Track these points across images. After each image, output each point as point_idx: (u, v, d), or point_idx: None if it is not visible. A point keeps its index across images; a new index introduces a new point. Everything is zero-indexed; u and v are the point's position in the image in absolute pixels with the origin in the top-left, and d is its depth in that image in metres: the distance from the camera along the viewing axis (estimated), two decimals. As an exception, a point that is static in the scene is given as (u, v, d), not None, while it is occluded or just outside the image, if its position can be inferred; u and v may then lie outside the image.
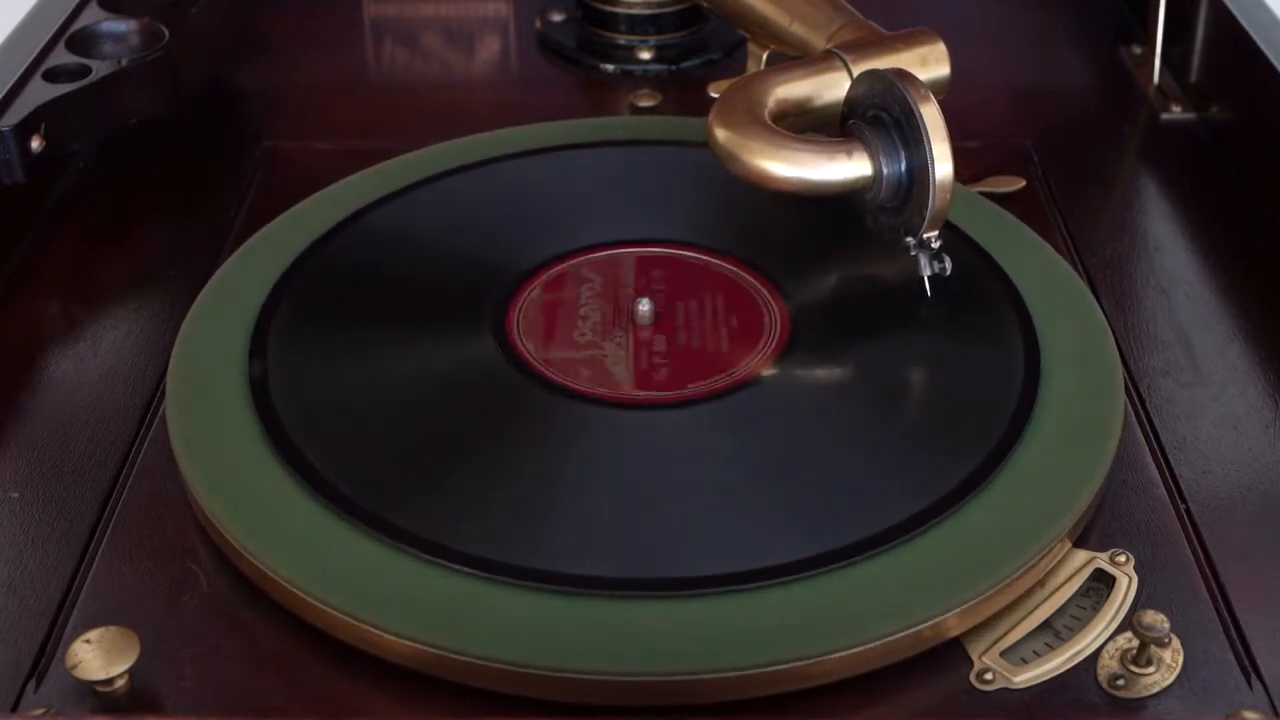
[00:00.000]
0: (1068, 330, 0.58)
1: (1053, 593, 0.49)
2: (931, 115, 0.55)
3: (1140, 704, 0.46)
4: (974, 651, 0.47)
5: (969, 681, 0.46)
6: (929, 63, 0.61)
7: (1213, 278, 0.65)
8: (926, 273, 0.57)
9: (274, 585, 0.48)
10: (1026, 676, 0.46)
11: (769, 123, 0.58)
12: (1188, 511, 0.53)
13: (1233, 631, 0.48)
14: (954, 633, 0.47)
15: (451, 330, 0.58)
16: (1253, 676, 0.47)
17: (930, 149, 0.54)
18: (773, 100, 0.59)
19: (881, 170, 0.56)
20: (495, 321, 0.58)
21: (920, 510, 0.49)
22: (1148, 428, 0.57)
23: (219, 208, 0.70)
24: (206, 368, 0.56)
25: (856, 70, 0.59)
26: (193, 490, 0.51)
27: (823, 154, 0.56)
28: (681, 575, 0.47)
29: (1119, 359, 0.57)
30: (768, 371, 0.56)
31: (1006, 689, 0.46)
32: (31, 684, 0.46)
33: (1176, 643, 0.47)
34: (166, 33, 0.72)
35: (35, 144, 0.64)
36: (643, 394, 0.55)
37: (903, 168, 0.56)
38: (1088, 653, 0.47)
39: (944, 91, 0.61)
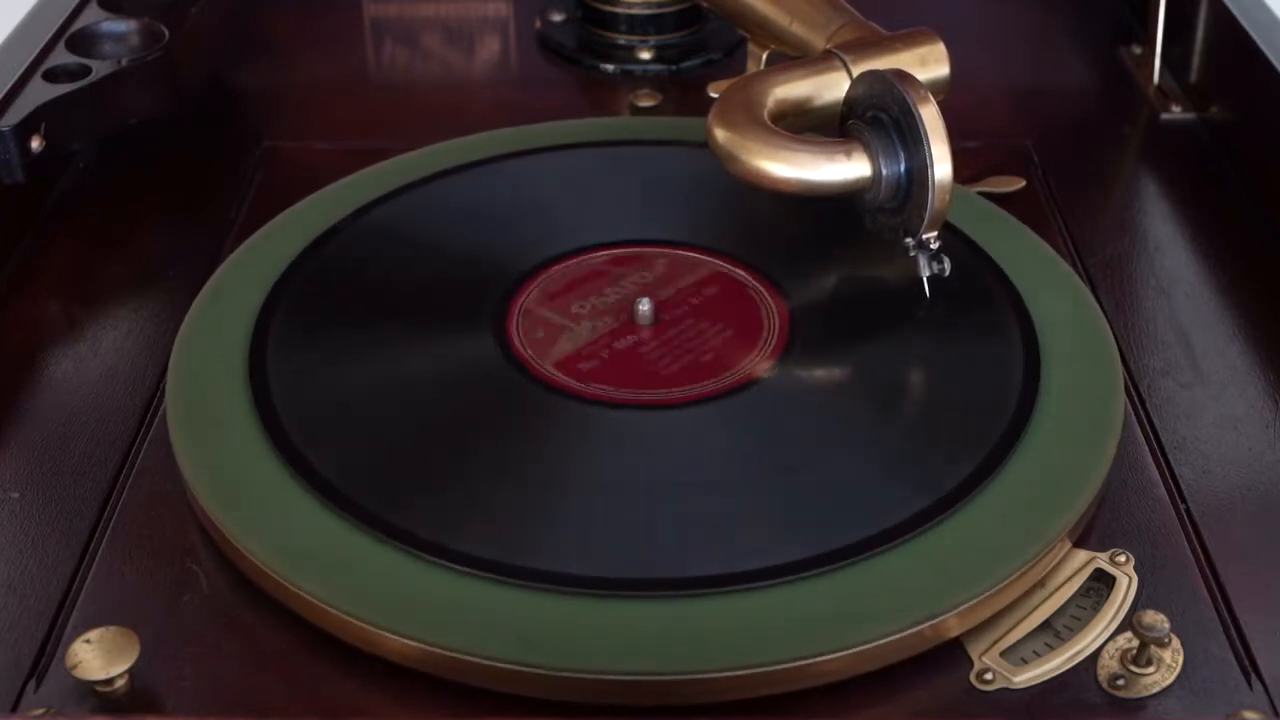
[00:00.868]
0: (1068, 330, 0.58)
1: (1053, 593, 0.49)
2: (930, 116, 0.55)
3: (1140, 704, 0.46)
4: (974, 651, 0.47)
5: (969, 681, 0.46)
6: (928, 63, 0.61)
7: (1213, 278, 0.65)
8: (925, 273, 0.57)
9: (274, 585, 0.48)
10: (1026, 676, 0.46)
11: (768, 123, 0.58)
12: (1188, 511, 0.53)
13: (1233, 631, 0.48)
14: (954, 633, 0.47)
15: (451, 330, 0.58)
16: (1253, 676, 0.47)
17: (929, 150, 0.54)
18: (772, 100, 0.59)
19: (881, 171, 0.56)
20: (495, 321, 0.58)
21: (920, 510, 0.49)
22: (1148, 428, 0.57)
23: (219, 208, 0.70)
24: (207, 367, 0.56)
25: (856, 70, 0.59)
26: (193, 490, 0.51)
27: (822, 154, 0.56)
28: (681, 575, 0.47)
29: (1119, 359, 0.57)
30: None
31: (1006, 689, 0.46)
32: (31, 684, 0.46)
33: (1176, 643, 0.47)
34: (166, 33, 0.72)
35: (35, 144, 0.64)
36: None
37: (902, 168, 0.56)
38: (1088, 653, 0.47)
39: (943, 92, 0.61)
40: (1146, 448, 0.56)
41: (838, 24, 0.63)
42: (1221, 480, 0.54)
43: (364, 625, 0.46)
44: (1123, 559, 0.50)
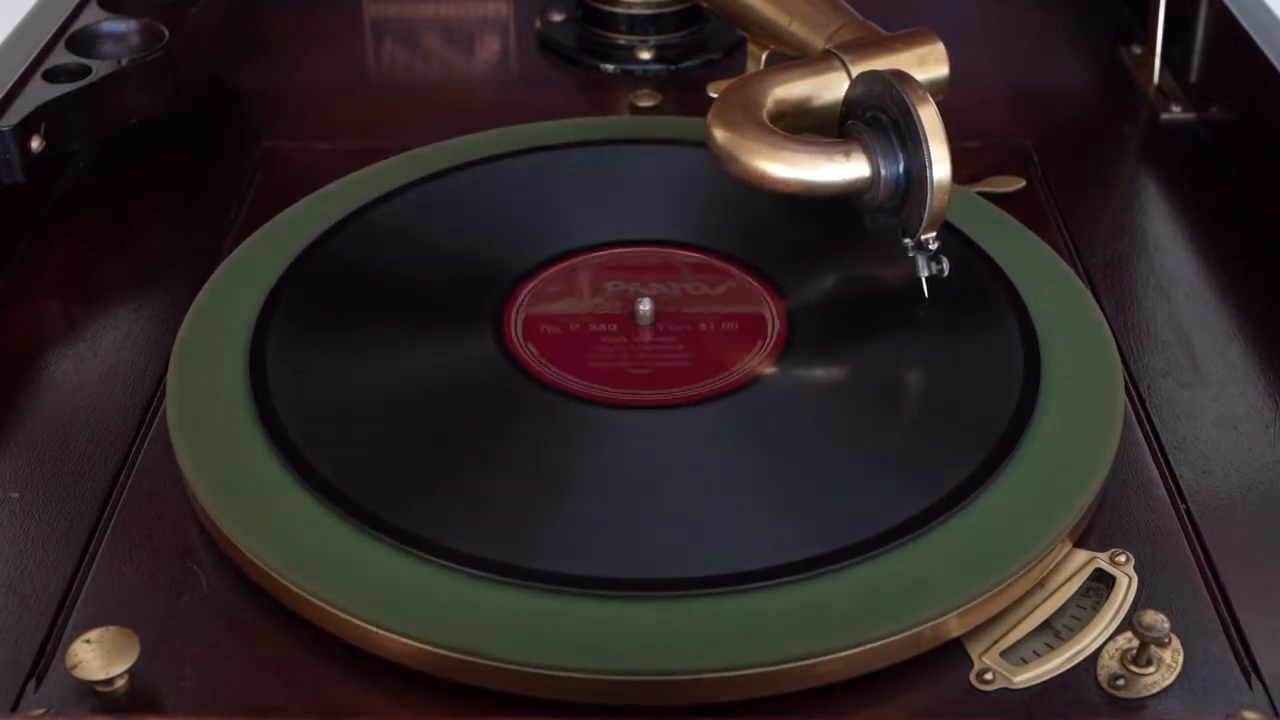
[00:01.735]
0: (1068, 330, 0.58)
1: (1053, 593, 0.49)
2: (929, 117, 0.54)
3: (1140, 704, 0.46)
4: (974, 651, 0.47)
5: (969, 681, 0.46)
6: (928, 63, 0.61)
7: (1213, 278, 0.65)
8: (924, 274, 0.57)
9: (274, 585, 0.48)
10: (1026, 676, 0.46)
11: (767, 123, 0.58)
12: (1188, 511, 0.53)
13: (1233, 631, 0.48)
14: (955, 634, 0.47)
15: (451, 330, 0.58)
16: (1253, 676, 0.47)
17: (928, 150, 0.54)
18: (771, 101, 0.59)
19: (879, 171, 0.56)
20: (494, 321, 0.58)
21: (921, 511, 0.49)
22: (1148, 428, 0.57)
23: (219, 208, 0.70)
24: (206, 367, 0.56)
25: (855, 71, 0.59)
26: (193, 490, 0.51)
27: (821, 155, 0.56)
28: (681, 576, 0.47)
29: (1119, 359, 0.57)
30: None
31: (1006, 689, 0.46)
32: (31, 684, 0.46)
33: (1176, 643, 0.47)
34: (166, 33, 0.72)
35: (35, 144, 0.64)
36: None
37: (901, 169, 0.56)
38: (1088, 653, 0.47)
39: (943, 92, 0.61)
40: (1146, 448, 0.56)
41: (837, 24, 0.63)
42: (1221, 480, 0.54)
43: (363, 625, 0.46)
44: (1123, 559, 0.50)
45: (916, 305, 0.58)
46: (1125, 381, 0.56)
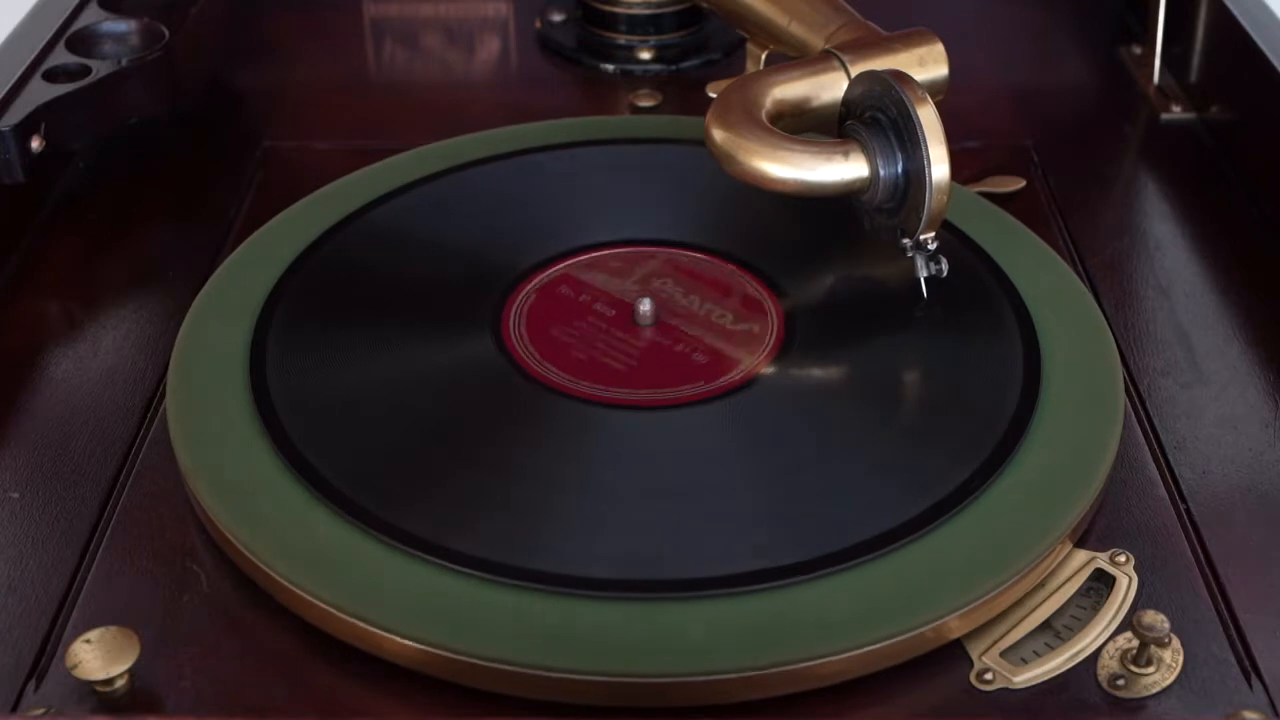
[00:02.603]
0: (1068, 330, 0.58)
1: (1053, 593, 0.49)
2: (928, 117, 0.54)
3: (1140, 704, 0.46)
4: (974, 651, 0.47)
5: (969, 681, 0.46)
6: (927, 63, 0.61)
7: (1213, 278, 0.65)
8: (923, 274, 0.57)
9: (274, 585, 0.48)
10: (1026, 676, 0.46)
11: (766, 123, 0.58)
12: (1188, 511, 0.53)
13: (1233, 631, 0.48)
14: (955, 634, 0.47)
15: (450, 330, 0.58)
16: (1253, 676, 0.47)
17: (926, 151, 0.54)
18: (770, 101, 0.59)
19: (878, 172, 0.56)
20: (494, 321, 0.58)
21: (921, 512, 0.49)
22: (1148, 428, 0.57)
23: (219, 208, 0.70)
24: (206, 368, 0.56)
25: (854, 71, 0.59)
26: (193, 490, 0.51)
27: (819, 155, 0.56)
28: (681, 577, 0.47)
29: (1119, 359, 0.57)
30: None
31: (1006, 689, 0.46)
32: (31, 684, 0.46)
33: (1176, 643, 0.47)
34: (166, 33, 0.72)
35: (35, 144, 0.64)
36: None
37: (899, 169, 0.56)
38: (1088, 653, 0.47)
39: (942, 92, 0.61)
40: (1146, 448, 0.56)
41: (836, 24, 0.63)
42: (1221, 480, 0.54)
43: (363, 625, 0.46)
44: (1123, 559, 0.50)
45: (916, 305, 0.58)
46: (1125, 381, 0.56)
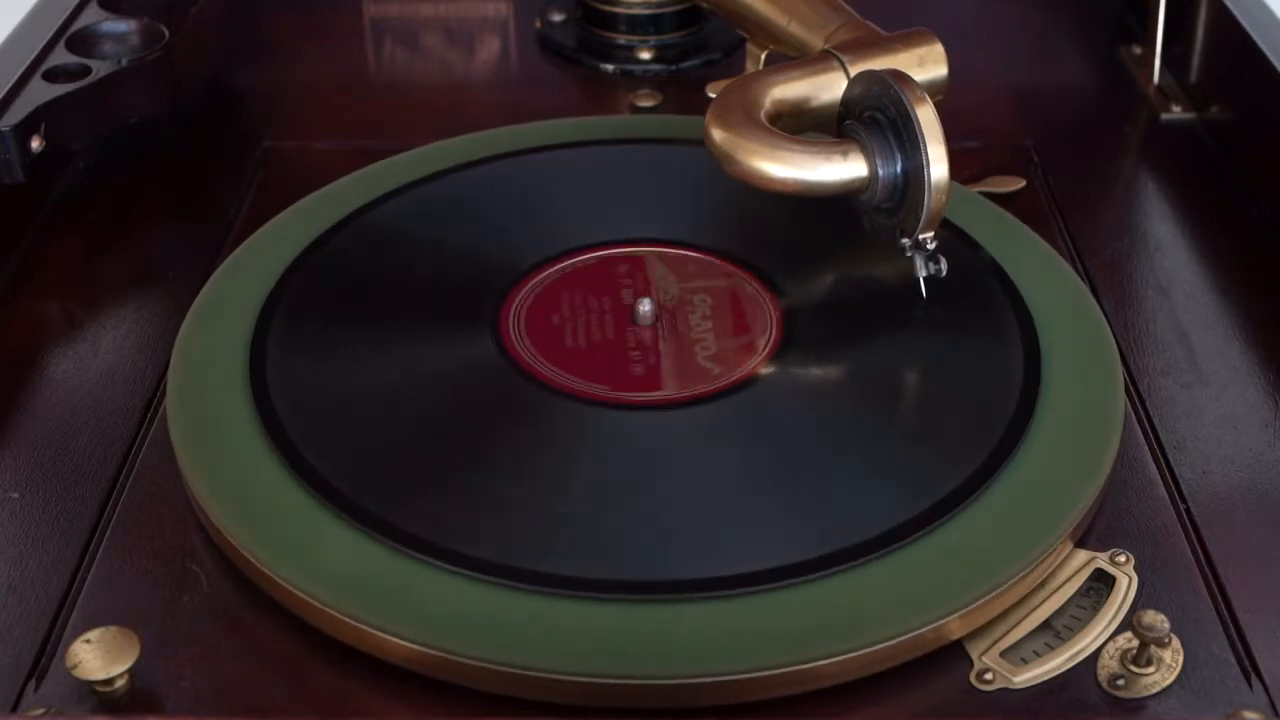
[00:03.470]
0: (1068, 330, 0.58)
1: (1053, 593, 0.49)
2: (927, 117, 0.54)
3: (1140, 704, 0.46)
4: (974, 651, 0.47)
5: (969, 681, 0.46)
6: (926, 63, 0.61)
7: (1213, 278, 0.65)
8: (922, 274, 0.57)
9: (274, 585, 0.48)
10: (1026, 676, 0.46)
11: (765, 123, 0.58)
12: (1188, 511, 0.53)
13: (1233, 631, 0.48)
14: (956, 635, 0.47)
15: (450, 330, 0.58)
16: (1253, 676, 0.47)
17: (925, 150, 0.54)
18: (769, 101, 0.59)
19: (877, 171, 0.56)
20: (493, 321, 0.58)
21: (921, 512, 0.49)
22: (1148, 428, 0.57)
23: (219, 208, 0.70)
24: (206, 368, 0.56)
25: (854, 71, 0.59)
26: (193, 490, 0.51)
27: (818, 155, 0.56)
28: (681, 578, 0.47)
29: (1119, 359, 0.57)
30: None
31: (1006, 689, 0.46)
32: (31, 684, 0.46)
33: (1176, 643, 0.47)
34: (166, 33, 0.72)
35: (35, 144, 0.64)
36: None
37: (898, 169, 0.56)
38: (1088, 653, 0.47)
39: (941, 92, 0.61)
40: (1146, 448, 0.56)
41: (836, 24, 0.63)
42: (1221, 480, 0.54)
43: (363, 627, 0.46)
44: (1123, 559, 0.50)
45: (915, 305, 0.58)
46: (1125, 381, 0.56)
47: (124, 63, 0.69)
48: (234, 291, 0.60)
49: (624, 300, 0.59)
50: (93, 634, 0.45)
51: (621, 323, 0.58)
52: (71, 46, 0.70)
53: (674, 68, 0.80)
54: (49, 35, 0.70)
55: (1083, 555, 0.50)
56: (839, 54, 0.60)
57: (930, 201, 0.55)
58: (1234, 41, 0.72)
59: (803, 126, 0.60)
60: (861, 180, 0.57)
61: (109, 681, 0.45)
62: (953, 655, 0.47)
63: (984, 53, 0.83)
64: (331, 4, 0.88)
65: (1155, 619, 0.46)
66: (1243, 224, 0.68)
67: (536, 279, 0.60)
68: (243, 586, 0.50)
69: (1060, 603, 0.49)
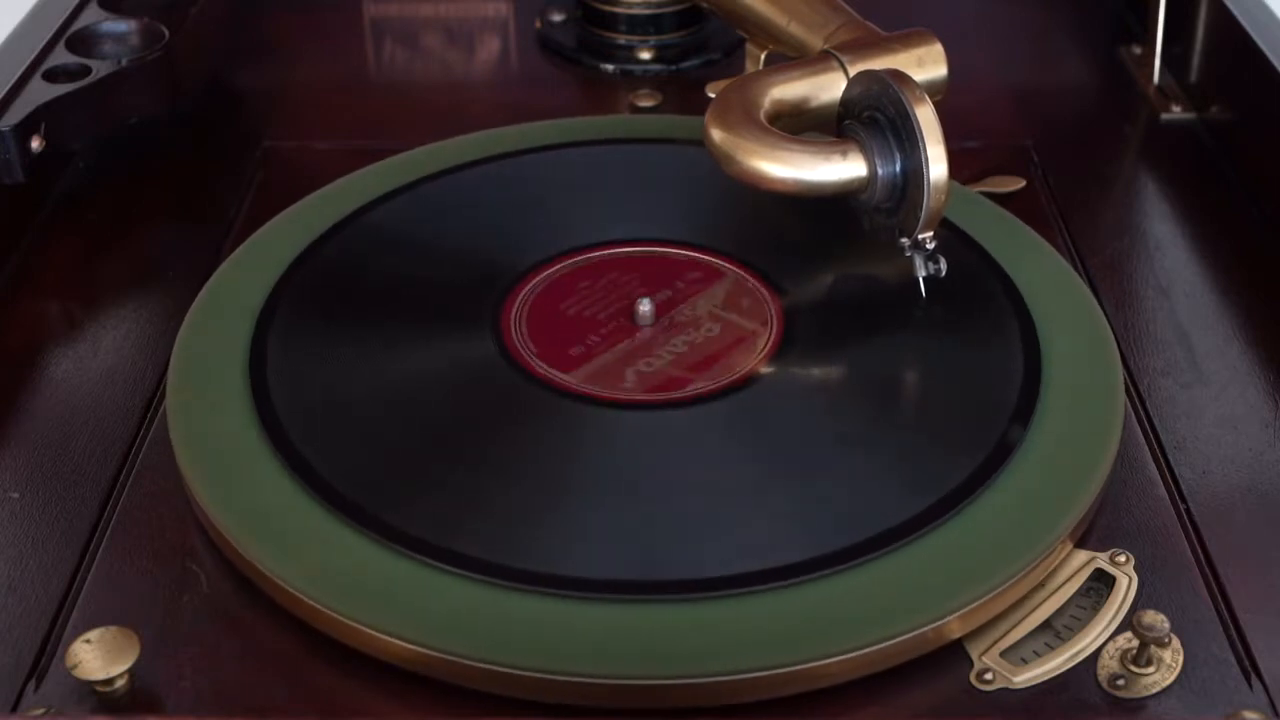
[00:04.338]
0: (1068, 330, 0.58)
1: (1053, 593, 0.49)
2: (926, 117, 0.54)
3: (1140, 704, 0.46)
4: (974, 651, 0.47)
5: (969, 681, 0.46)
6: (926, 64, 0.61)
7: (1213, 278, 0.65)
8: (922, 273, 0.57)
9: (274, 586, 0.48)
10: (1026, 676, 0.46)
11: (764, 123, 0.58)
12: (1188, 511, 0.53)
13: (1233, 631, 0.48)
14: (956, 635, 0.47)
15: (450, 330, 0.58)
16: (1253, 676, 0.47)
17: (925, 150, 0.54)
18: (769, 101, 0.59)
19: (876, 171, 0.56)
20: (494, 321, 0.58)
21: (920, 512, 0.49)
22: (1148, 428, 0.57)
23: (219, 208, 0.70)
24: (206, 368, 0.56)
25: (853, 71, 0.59)
26: (193, 491, 0.51)
27: (818, 155, 0.56)
28: (681, 578, 0.47)
29: (1119, 359, 0.57)
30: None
31: (1006, 689, 0.46)
32: (31, 684, 0.46)
33: (1176, 643, 0.47)
34: (166, 33, 0.72)
35: (35, 144, 0.64)
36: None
37: (897, 169, 0.56)
38: (1088, 653, 0.47)
39: (941, 92, 0.61)
40: (1146, 448, 0.56)
41: (835, 24, 0.63)
42: (1221, 480, 0.54)
43: (363, 628, 0.46)
44: (1123, 559, 0.50)
45: (915, 305, 0.58)
46: (1125, 381, 0.56)
47: (124, 63, 0.69)
48: (234, 291, 0.60)
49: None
50: (93, 634, 0.45)
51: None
52: (71, 46, 0.70)
53: (674, 68, 0.80)
54: (49, 35, 0.70)
55: (1083, 555, 0.50)
56: (838, 54, 0.61)
57: (929, 201, 0.55)
58: (1234, 41, 0.72)
59: (802, 126, 0.60)
60: (861, 180, 0.57)
61: (109, 681, 0.45)
62: (953, 655, 0.47)
63: (984, 53, 0.83)
64: (331, 4, 0.88)
65: (1155, 619, 0.46)
66: (1243, 224, 0.68)
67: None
68: (243, 586, 0.50)
69: (1060, 603, 0.49)
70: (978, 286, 0.59)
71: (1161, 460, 0.55)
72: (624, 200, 0.65)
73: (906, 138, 0.55)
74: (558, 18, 0.84)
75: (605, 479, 0.52)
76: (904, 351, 0.57)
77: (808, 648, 0.45)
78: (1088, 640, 0.48)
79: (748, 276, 0.61)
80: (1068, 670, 0.47)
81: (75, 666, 0.45)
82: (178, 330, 0.58)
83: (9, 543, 0.52)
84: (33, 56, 0.68)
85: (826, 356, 0.57)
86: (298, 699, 0.46)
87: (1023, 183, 0.70)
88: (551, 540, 0.49)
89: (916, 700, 0.46)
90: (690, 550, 0.49)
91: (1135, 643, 0.47)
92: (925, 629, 0.46)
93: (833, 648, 0.45)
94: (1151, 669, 0.46)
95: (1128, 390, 0.57)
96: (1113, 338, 0.58)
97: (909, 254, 0.57)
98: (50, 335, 0.62)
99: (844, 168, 0.56)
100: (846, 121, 0.59)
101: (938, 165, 0.54)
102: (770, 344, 0.57)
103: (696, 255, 0.62)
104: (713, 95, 0.61)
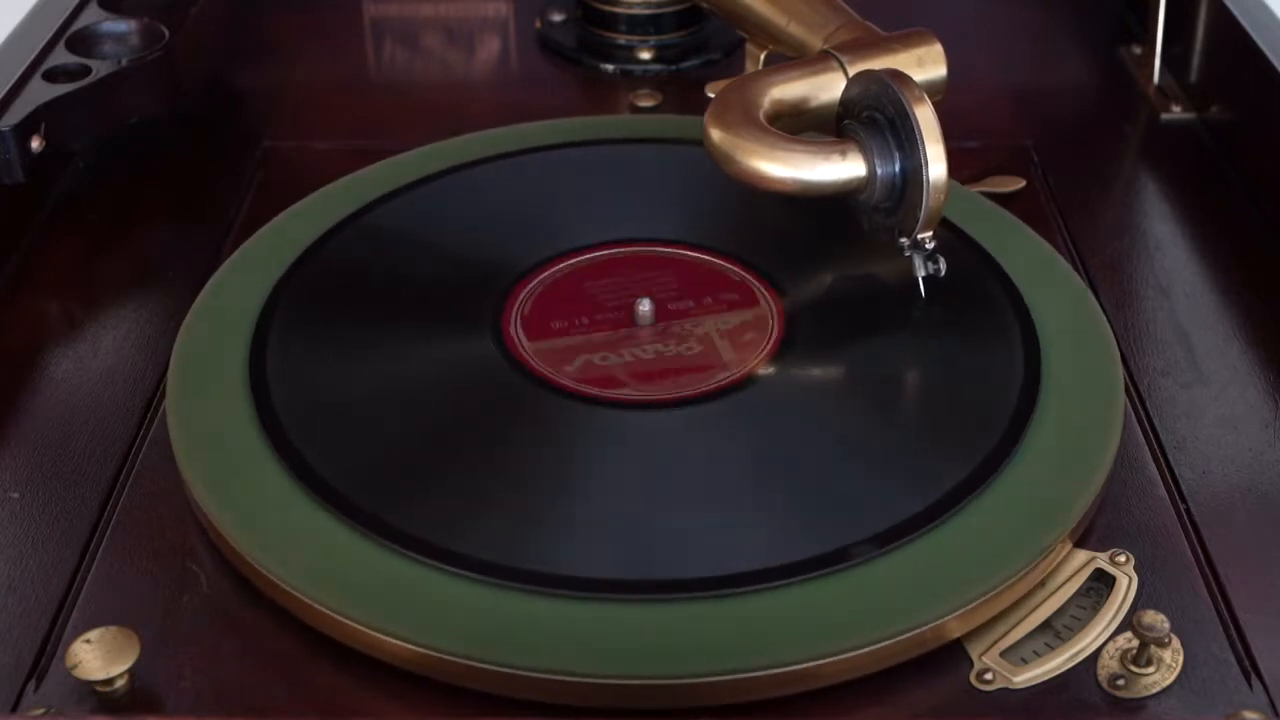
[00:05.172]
0: (1068, 330, 0.58)
1: (1053, 593, 0.49)
2: (925, 117, 0.54)
3: (1140, 704, 0.46)
4: (974, 651, 0.47)
5: (969, 681, 0.46)
6: (925, 64, 0.61)
7: (1213, 278, 0.65)
8: (921, 273, 0.57)
9: (273, 586, 0.48)
10: (1026, 676, 0.46)
11: (764, 123, 0.58)
12: (1188, 511, 0.53)
13: (1233, 631, 0.48)
14: (955, 634, 0.47)
15: (450, 330, 0.58)
16: (1253, 676, 0.47)
17: (924, 150, 0.54)
18: (768, 101, 0.59)
19: (876, 171, 0.56)
20: (494, 321, 0.58)
21: (921, 511, 0.49)
22: (1148, 428, 0.57)
23: (219, 208, 0.70)
24: (206, 368, 0.56)
25: (853, 71, 0.59)
26: (193, 490, 0.51)
27: (817, 155, 0.56)
28: (681, 578, 0.47)
29: (1119, 359, 0.57)
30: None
31: (1006, 689, 0.46)
32: (31, 684, 0.46)
33: (1176, 643, 0.47)
34: (166, 33, 0.72)
35: (35, 144, 0.64)
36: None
37: (897, 169, 0.56)
38: (1088, 653, 0.47)
39: (940, 92, 0.61)
40: (1146, 448, 0.56)
41: (835, 24, 0.63)
42: (1221, 480, 0.54)
43: (362, 628, 0.46)
44: (1123, 559, 0.50)
45: (915, 305, 0.58)
46: (1125, 381, 0.56)
47: (124, 63, 0.69)
48: (234, 291, 0.60)
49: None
50: (93, 634, 0.45)
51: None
52: (71, 46, 0.70)
53: (674, 68, 0.80)
54: (49, 35, 0.70)
55: (1083, 555, 0.50)
56: (838, 54, 0.61)
57: (928, 201, 0.55)
58: (1234, 41, 0.72)
59: (802, 126, 0.60)
60: (860, 180, 0.57)
61: (109, 681, 0.45)
62: (953, 655, 0.47)
63: (984, 53, 0.83)
64: (331, 4, 0.88)
65: (1155, 619, 0.46)
66: (1243, 224, 0.68)
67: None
68: (243, 586, 0.50)
69: (1060, 603, 0.49)
70: (977, 286, 0.59)
71: (1161, 460, 0.55)
72: (624, 200, 0.65)
73: (906, 138, 0.55)
74: (558, 18, 0.84)
75: (605, 479, 0.52)
76: (903, 351, 0.57)
77: (808, 647, 0.45)
78: (1088, 640, 0.48)
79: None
80: (1068, 670, 0.47)
81: (75, 666, 0.45)
82: (178, 330, 0.58)
83: (9, 543, 0.52)
84: (33, 56, 0.68)
85: (826, 356, 0.57)
86: (298, 699, 0.46)
87: (1023, 183, 0.70)
88: (551, 540, 0.49)
89: (916, 700, 0.46)
90: (690, 550, 0.49)
91: (1135, 643, 0.47)
92: (925, 629, 0.46)
93: (832, 648, 0.45)
94: (1151, 669, 0.46)
95: (1128, 390, 0.57)
96: (1113, 338, 0.58)
97: (908, 254, 0.57)
98: (50, 335, 0.62)
99: (843, 168, 0.56)
100: (846, 121, 0.59)
101: (937, 165, 0.54)
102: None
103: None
104: (712, 95, 0.61)
